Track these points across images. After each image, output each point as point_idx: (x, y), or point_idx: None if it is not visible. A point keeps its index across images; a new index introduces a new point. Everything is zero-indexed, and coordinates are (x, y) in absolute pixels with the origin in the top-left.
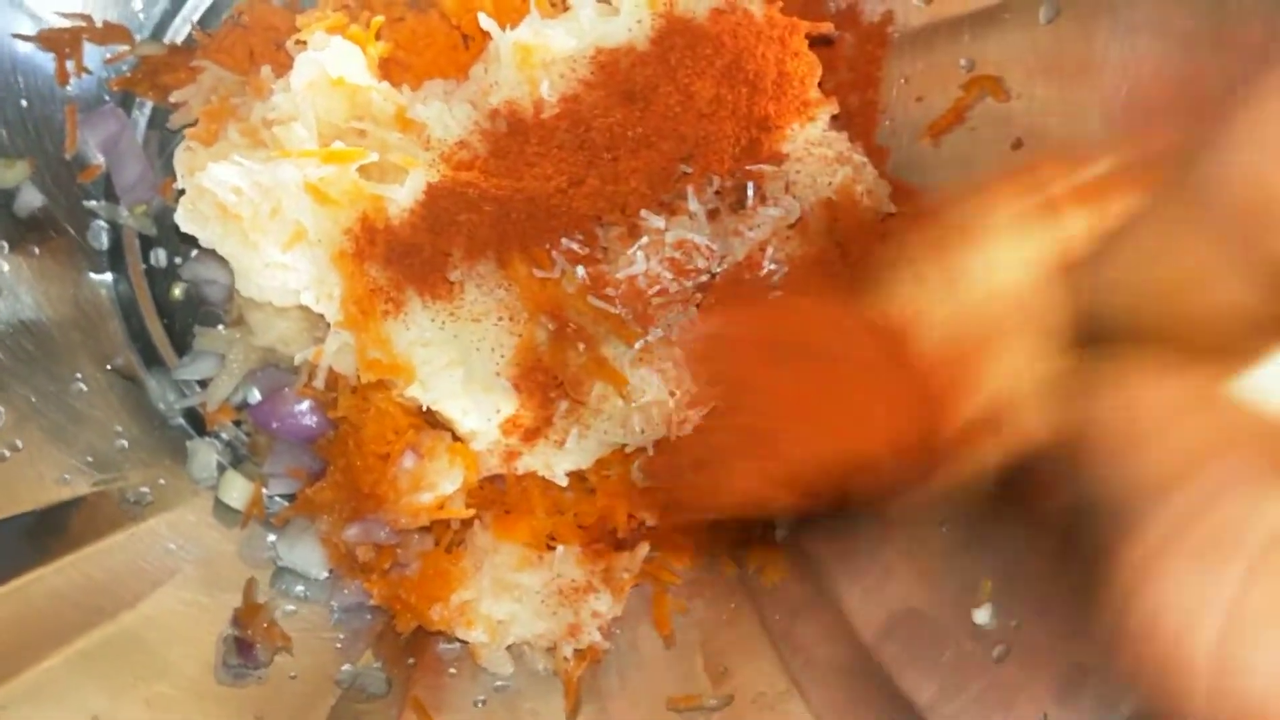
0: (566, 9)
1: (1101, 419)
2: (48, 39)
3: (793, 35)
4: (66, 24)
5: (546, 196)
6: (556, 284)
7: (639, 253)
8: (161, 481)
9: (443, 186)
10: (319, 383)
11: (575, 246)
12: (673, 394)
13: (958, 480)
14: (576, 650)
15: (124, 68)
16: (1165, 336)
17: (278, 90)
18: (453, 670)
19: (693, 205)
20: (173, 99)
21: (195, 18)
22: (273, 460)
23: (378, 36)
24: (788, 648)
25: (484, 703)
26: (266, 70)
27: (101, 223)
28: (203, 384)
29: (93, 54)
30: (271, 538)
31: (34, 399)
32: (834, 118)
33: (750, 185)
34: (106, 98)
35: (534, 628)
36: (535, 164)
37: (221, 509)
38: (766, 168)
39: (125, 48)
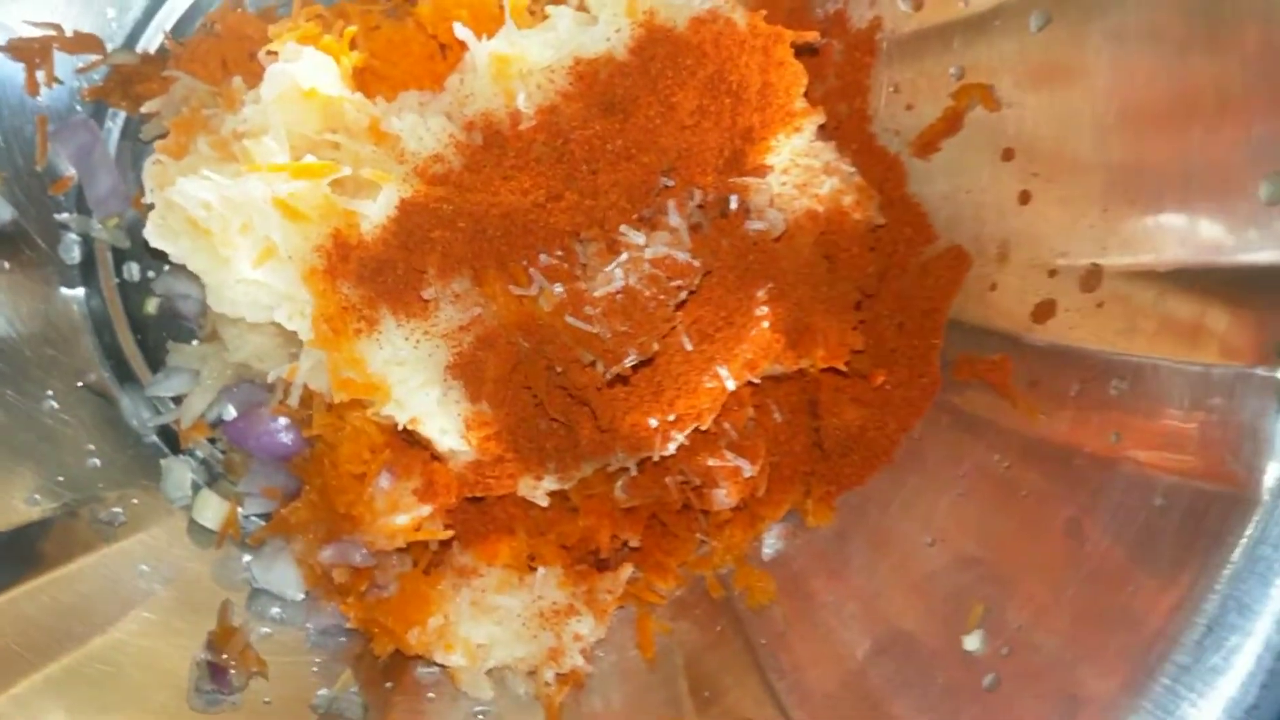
0: (545, 18)
1: None
2: (17, 49)
3: (777, 44)
4: (37, 33)
5: (523, 211)
6: (534, 301)
7: (617, 270)
8: (135, 501)
9: (416, 202)
10: (293, 400)
11: (554, 263)
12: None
13: None
14: (558, 674)
15: (96, 77)
16: None
17: (249, 102)
18: (431, 695)
19: (674, 219)
20: (144, 110)
21: (168, 26)
22: (248, 479)
23: (352, 46)
24: (774, 671)
25: None
26: (238, 81)
27: (73, 236)
28: (177, 400)
29: (64, 64)
30: (247, 558)
31: (3, 417)
32: (821, 127)
33: (734, 198)
34: (78, 108)
35: (514, 651)
36: (512, 178)
37: (196, 529)
38: (751, 180)
39: (97, 57)
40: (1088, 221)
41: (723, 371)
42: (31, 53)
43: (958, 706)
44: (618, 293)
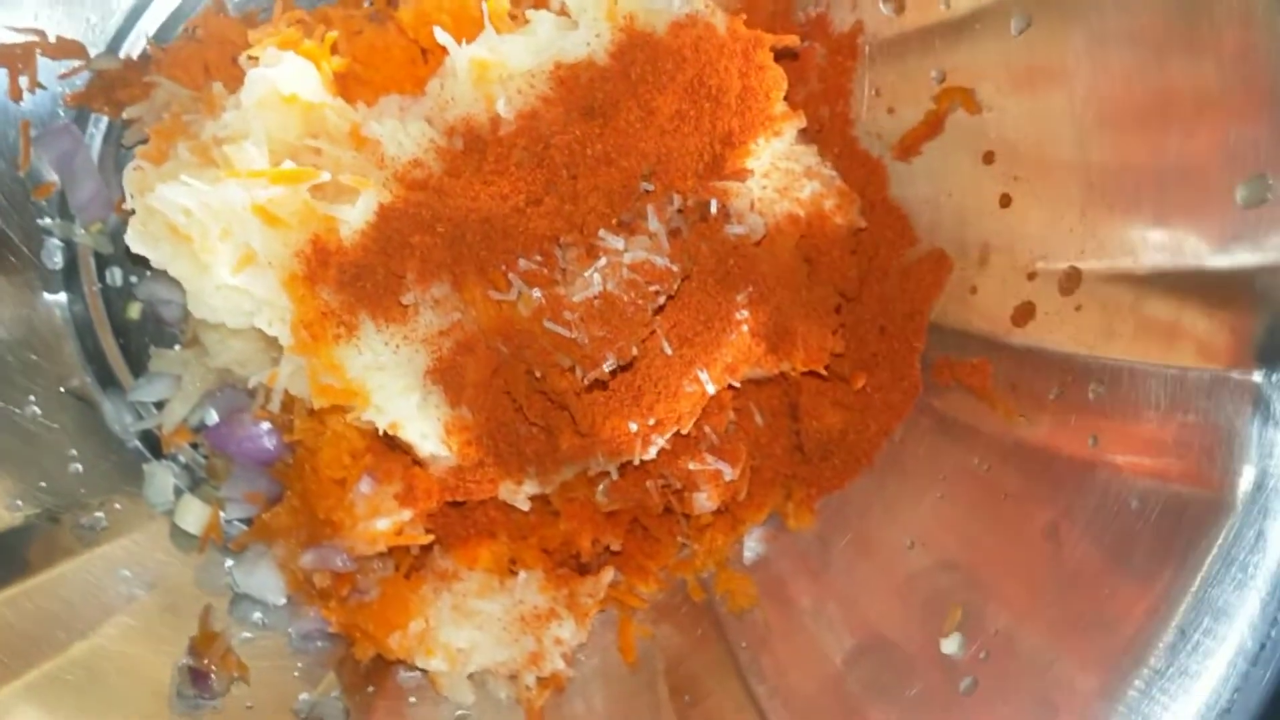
0: (526, 23)
1: None
2: (0, 54)
3: (757, 49)
4: (19, 39)
5: (503, 216)
6: (513, 306)
7: (595, 275)
8: (117, 506)
9: (395, 207)
10: (274, 406)
11: (533, 267)
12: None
13: None
14: (539, 678)
15: (78, 83)
16: None
17: (229, 108)
18: (413, 699)
19: (653, 224)
20: (126, 115)
21: (151, 31)
22: (230, 484)
23: (334, 50)
24: (755, 675)
25: None
26: (219, 87)
27: (56, 241)
28: (159, 406)
29: (47, 69)
30: (229, 563)
31: None
32: (803, 130)
33: (714, 202)
34: (61, 114)
35: (495, 655)
36: (491, 182)
37: (178, 534)
38: (731, 184)
39: (80, 62)
40: (1067, 225)
41: (703, 375)
42: (14, 58)
43: (935, 711)
44: (596, 298)
